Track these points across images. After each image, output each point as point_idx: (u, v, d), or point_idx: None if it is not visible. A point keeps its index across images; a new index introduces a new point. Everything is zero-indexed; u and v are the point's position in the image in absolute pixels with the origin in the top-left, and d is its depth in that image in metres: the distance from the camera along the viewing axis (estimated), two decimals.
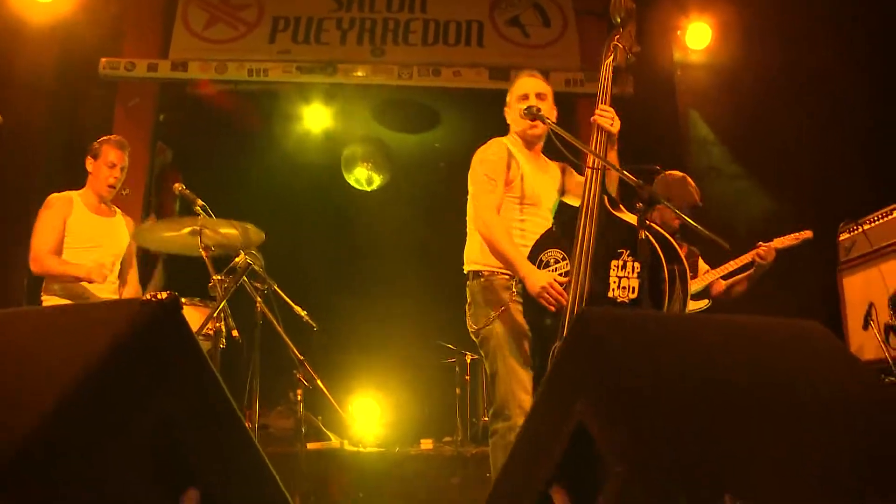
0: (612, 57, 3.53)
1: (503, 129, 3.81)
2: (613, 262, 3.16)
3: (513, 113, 3.70)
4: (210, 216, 4.15)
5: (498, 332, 3.43)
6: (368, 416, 6.93)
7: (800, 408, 1.81)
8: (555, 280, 3.25)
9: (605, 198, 3.31)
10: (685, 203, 4.23)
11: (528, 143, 3.69)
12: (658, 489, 1.56)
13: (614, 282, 3.14)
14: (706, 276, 4.37)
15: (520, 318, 3.43)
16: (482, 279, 3.53)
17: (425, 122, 8.15)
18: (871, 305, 4.96)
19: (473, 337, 3.58)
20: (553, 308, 3.21)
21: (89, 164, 4.48)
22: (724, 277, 4.41)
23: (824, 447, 1.72)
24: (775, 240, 4.29)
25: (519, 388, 3.33)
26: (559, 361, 1.92)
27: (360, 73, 6.84)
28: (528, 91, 3.65)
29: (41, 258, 4.27)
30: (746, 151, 6.72)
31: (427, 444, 6.62)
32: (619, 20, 3.57)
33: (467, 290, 3.61)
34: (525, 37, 7.13)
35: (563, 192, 3.78)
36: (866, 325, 4.94)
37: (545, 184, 3.67)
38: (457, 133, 7.72)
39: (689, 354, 1.85)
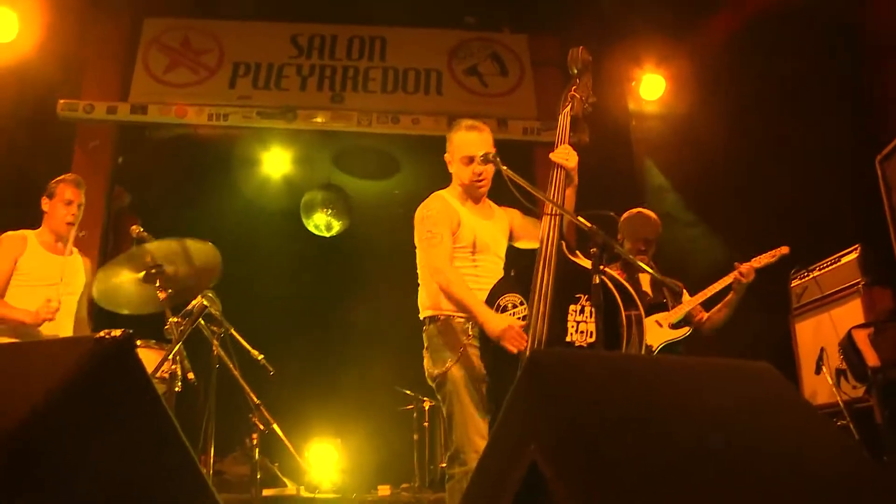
0: (569, 107, 3.61)
1: None
2: (571, 307, 3.21)
3: (456, 169, 3.71)
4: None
5: (454, 376, 3.43)
6: (325, 462, 6.85)
7: (748, 446, 1.84)
8: (515, 323, 3.28)
9: (563, 243, 3.35)
10: (641, 235, 4.55)
11: (474, 196, 3.73)
12: None
13: (572, 326, 3.18)
14: (684, 305, 4.44)
15: (477, 362, 3.44)
16: (438, 323, 3.54)
17: (385, 168, 8.20)
18: (822, 350, 5.05)
19: (430, 381, 3.58)
20: (515, 350, 3.22)
21: (45, 203, 4.46)
22: (706, 304, 4.47)
23: (773, 486, 1.75)
24: (753, 259, 4.35)
25: (474, 433, 3.34)
26: (511, 403, 1.93)
27: (319, 119, 6.89)
28: (473, 154, 3.63)
29: None
30: (700, 198, 6.86)
31: (384, 490, 6.56)
32: (575, 72, 3.65)
33: (424, 334, 3.62)
34: (483, 86, 7.25)
35: (512, 237, 3.82)
36: (818, 370, 5.02)
37: (491, 230, 3.70)
38: (416, 180, 7.77)
39: (640, 395, 1.88)
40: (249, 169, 7.61)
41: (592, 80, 3.67)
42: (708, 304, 4.50)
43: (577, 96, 3.61)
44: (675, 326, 4.40)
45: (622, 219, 4.63)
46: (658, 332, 4.38)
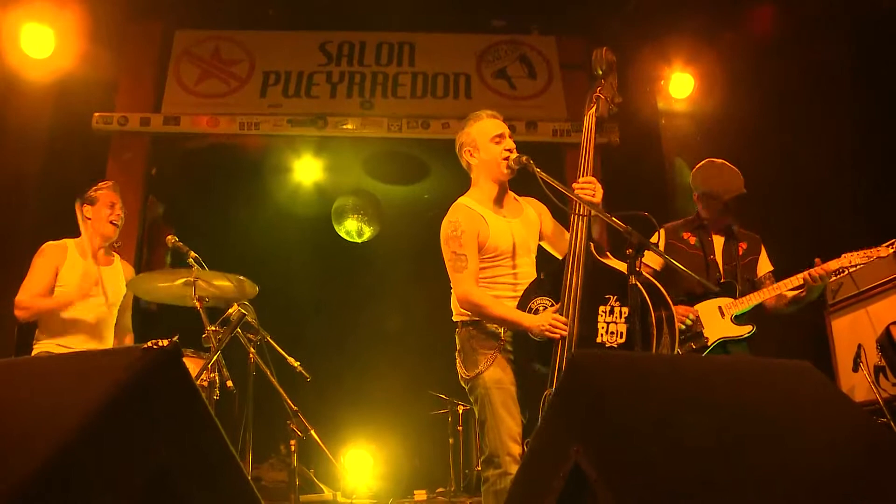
0: (594, 108, 3.55)
1: None
2: (601, 308, 3.20)
3: (485, 154, 3.64)
4: (203, 268, 4.19)
5: (486, 380, 3.43)
6: (361, 468, 6.89)
7: (793, 444, 1.84)
8: (549, 313, 3.29)
9: (592, 245, 3.34)
10: (731, 190, 4.13)
11: (500, 187, 3.66)
12: None
13: (602, 327, 3.18)
14: (754, 297, 4.06)
15: (509, 367, 3.45)
16: (470, 327, 3.53)
17: (414, 173, 8.22)
18: (860, 347, 4.99)
19: (463, 384, 3.58)
20: (562, 334, 3.24)
21: (88, 211, 4.51)
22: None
23: (817, 482, 1.74)
24: (844, 255, 4.00)
25: (507, 437, 3.33)
26: (554, 405, 1.94)
27: (349, 126, 6.94)
28: (502, 131, 3.63)
29: (27, 301, 4.27)
30: None
31: (420, 495, 6.58)
32: (600, 72, 3.61)
33: (456, 337, 3.62)
34: (512, 88, 7.26)
35: (540, 235, 3.76)
36: (856, 368, 4.96)
37: (523, 228, 3.65)
38: (445, 184, 7.74)
39: (682, 394, 1.88)
40: (280, 177, 7.67)
41: (618, 79, 3.63)
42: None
43: (603, 97, 3.57)
44: (737, 320, 4.03)
45: (706, 169, 4.30)
46: (718, 323, 4.04)
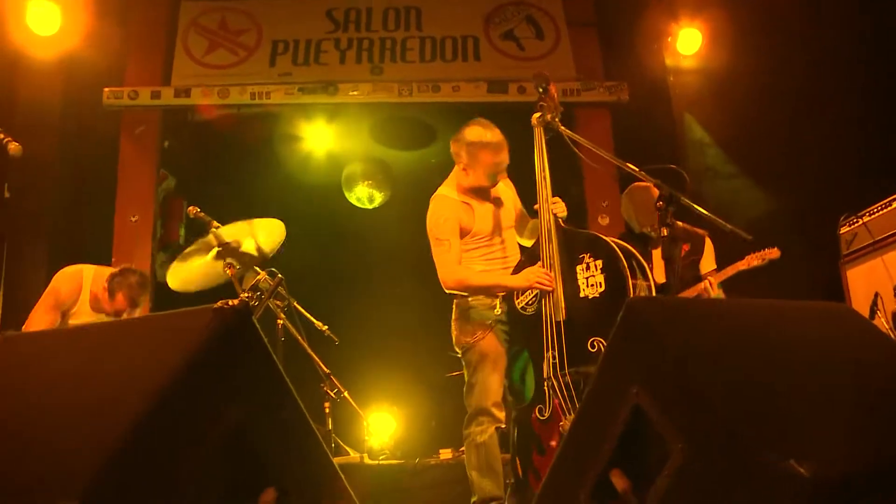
0: (539, 114, 3.79)
1: None
2: (578, 267, 3.53)
3: (485, 155, 3.83)
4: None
5: (481, 348, 3.78)
6: (385, 430, 6.96)
7: (840, 381, 1.91)
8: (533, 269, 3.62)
9: (561, 220, 3.69)
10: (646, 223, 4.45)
11: (490, 183, 3.90)
12: (719, 460, 1.65)
13: (583, 282, 3.50)
14: (690, 293, 4.35)
15: (502, 337, 3.80)
16: (468, 299, 3.84)
17: (422, 138, 8.21)
18: (876, 295, 5.06)
19: (457, 348, 3.91)
20: (550, 287, 3.52)
21: (105, 297, 4.53)
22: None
23: (869, 413, 1.81)
24: (734, 265, 4.40)
25: (491, 400, 3.71)
26: (610, 351, 2.00)
27: (360, 92, 6.93)
28: (503, 149, 3.86)
29: None
30: (741, 151, 6.84)
31: (446, 453, 6.65)
32: (541, 90, 3.86)
33: (454, 307, 3.93)
34: (520, 49, 7.23)
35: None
36: (872, 315, 5.03)
37: (501, 210, 3.97)
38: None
39: (735, 335, 1.94)
40: (292, 145, 7.67)
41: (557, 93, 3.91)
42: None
43: (546, 105, 3.80)
44: None
45: (628, 194, 4.66)
46: None
